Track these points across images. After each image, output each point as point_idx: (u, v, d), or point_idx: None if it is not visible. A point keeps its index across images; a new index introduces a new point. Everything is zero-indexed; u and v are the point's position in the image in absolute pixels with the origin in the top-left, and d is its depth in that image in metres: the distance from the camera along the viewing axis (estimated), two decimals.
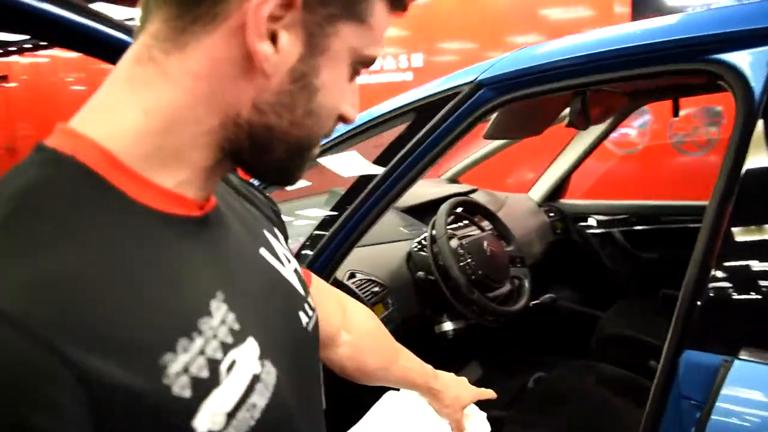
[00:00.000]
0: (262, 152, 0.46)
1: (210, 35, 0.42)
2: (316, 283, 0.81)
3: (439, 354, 2.21)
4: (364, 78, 4.28)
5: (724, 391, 0.87)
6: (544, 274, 2.61)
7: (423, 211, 2.00)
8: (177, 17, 0.42)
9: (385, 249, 1.81)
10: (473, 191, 2.37)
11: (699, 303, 1.00)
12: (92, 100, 0.44)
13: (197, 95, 0.43)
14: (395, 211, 2.01)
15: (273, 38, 0.42)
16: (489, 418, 2.16)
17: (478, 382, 2.33)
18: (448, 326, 1.65)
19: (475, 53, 4.03)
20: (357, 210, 1.42)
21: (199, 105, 0.43)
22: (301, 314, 0.56)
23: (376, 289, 1.57)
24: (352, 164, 1.51)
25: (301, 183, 1.83)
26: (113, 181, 0.41)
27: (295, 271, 0.60)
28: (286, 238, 0.66)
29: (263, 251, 0.55)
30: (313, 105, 0.46)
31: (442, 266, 1.56)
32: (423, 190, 2.26)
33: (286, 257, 0.59)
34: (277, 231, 0.62)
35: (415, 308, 1.70)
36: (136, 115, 0.42)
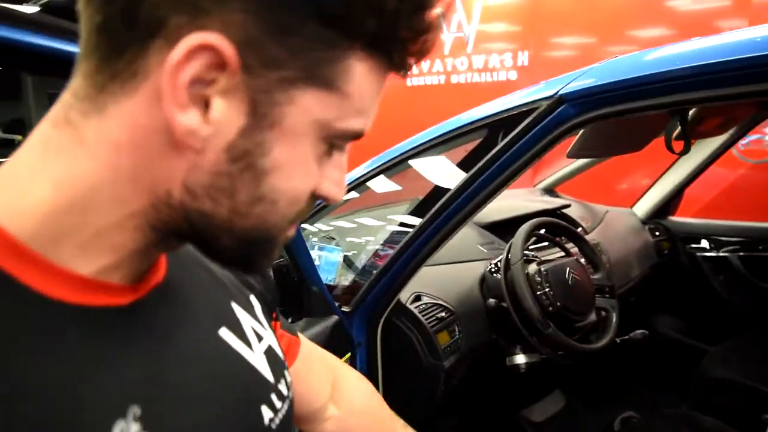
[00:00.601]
0: (206, 240, 0.39)
1: (131, 97, 0.34)
2: (306, 352, 0.72)
3: (512, 386, 2.08)
4: (455, 77, 4.12)
5: None
6: (644, 302, 2.36)
7: (506, 228, 1.85)
8: (97, 71, 0.35)
9: (458, 269, 1.70)
10: (566, 206, 2.18)
11: None
12: (2, 168, 0.37)
13: (118, 169, 0.35)
14: (475, 227, 1.88)
15: (207, 104, 0.34)
16: None
17: (560, 414, 2.19)
18: (520, 359, 1.51)
19: (590, 50, 3.72)
20: (427, 226, 1.32)
21: (121, 180, 0.36)
22: (264, 409, 0.47)
23: (442, 314, 1.47)
24: (442, 170, 1.41)
25: (393, 186, 1.78)
26: (10, 268, 0.34)
27: (268, 350, 0.51)
28: (271, 301, 0.58)
29: (224, 333, 0.47)
30: (262, 190, 0.37)
31: (516, 294, 1.42)
32: (509, 204, 2.11)
33: (258, 334, 0.51)
34: (254, 300, 0.54)
35: (486, 337, 1.58)
36: (45, 188, 0.35)
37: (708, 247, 2.38)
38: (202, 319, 0.46)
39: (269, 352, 0.51)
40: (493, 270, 1.57)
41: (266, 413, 0.47)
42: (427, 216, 1.31)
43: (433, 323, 1.44)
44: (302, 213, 0.40)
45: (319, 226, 1.75)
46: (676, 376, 2.30)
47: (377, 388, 1.50)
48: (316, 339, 1.26)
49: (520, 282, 1.42)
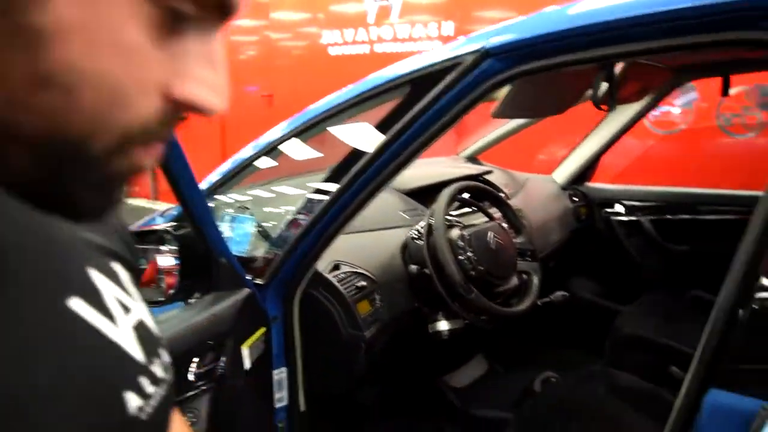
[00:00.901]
0: None
1: None
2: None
3: (434, 353, 2.07)
4: (381, 47, 4.07)
5: None
6: (562, 266, 2.41)
7: (429, 194, 1.81)
8: None
9: (379, 236, 1.64)
10: (488, 172, 2.17)
11: (739, 320, 0.81)
12: None
13: None
14: (397, 193, 1.83)
15: None
16: (490, 419, 2.02)
17: (482, 379, 2.21)
18: (443, 326, 1.48)
19: None
20: (344, 191, 1.24)
21: None
22: (129, 396, 0.37)
23: (363, 283, 1.40)
24: (360, 132, 1.33)
25: (314, 154, 1.69)
26: None
27: (139, 324, 0.41)
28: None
29: (76, 304, 0.36)
30: (45, 66, 0.23)
31: (438, 260, 1.38)
32: (432, 170, 2.07)
33: (124, 306, 0.41)
34: (117, 267, 0.44)
35: (408, 305, 1.54)
36: None
37: (622, 212, 2.45)
38: (42, 289, 0.36)
39: (140, 327, 0.41)
40: (415, 236, 1.52)
41: (132, 400, 0.37)
42: (344, 180, 1.24)
43: (353, 292, 1.37)
44: (149, 129, 0.27)
45: (234, 196, 1.63)
46: (593, 336, 2.37)
47: (295, 363, 1.43)
48: (225, 314, 1.17)
49: (442, 247, 1.38)
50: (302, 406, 1.51)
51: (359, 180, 1.22)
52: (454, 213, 1.66)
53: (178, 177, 1.05)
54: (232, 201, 1.62)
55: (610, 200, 2.49)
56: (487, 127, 2.54)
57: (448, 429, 1.94)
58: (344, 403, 1.61)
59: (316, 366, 1.48)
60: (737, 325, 0.81)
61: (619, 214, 2.47)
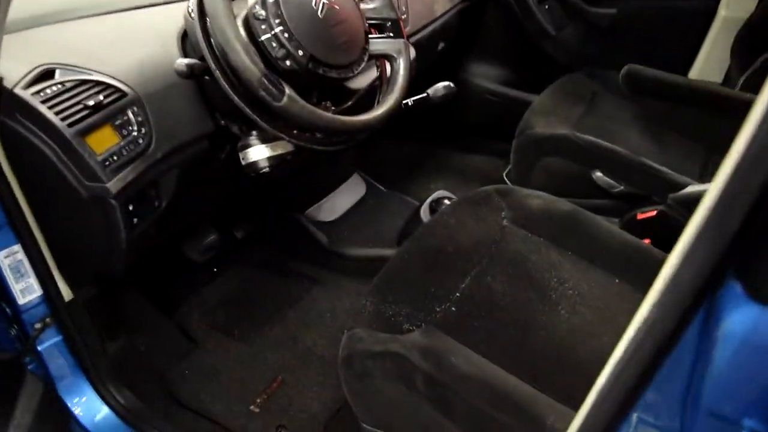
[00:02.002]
0: None
1: None
2: None
3: (286, 185, 1.55)
4: None
5: None
6: (455, 48, 1.86)
7: None
8: None
9: (137, 19, 1.01)
10: None
11: None
12: None
13: None
14: None
15: None
16: (362, 258, 1.60)
17: (360, 206, 1.75)
18: (256, 153, 0.94)
19: None
20: None
21: None
22: None
23: (101, 97, 0.82)
24: None
25: None
26: None
27: None
28: None
29: None
30: None
31: (220, 45, 0.79)
32: None
33: None
34: None
35: (207, 125, 0.97)
36: None
37: None
38: None
39: None
40: (191, 10, 0.89)
41: None
42: None
43: (78, 117, 0.79)
44: None
45: None
46: (497, 136, 1.93)
47: (30, 234, 0.89)
48: None
49: (221, 23, 0.78)
50: (67, 295, 1.00)
51: None
52: None
53: None
54: None
55: None
56: None
57: (317, 273, 1.52)
58: (105, 304, 1.12)
59: (67, 257, 0.96)
60: None
61: None
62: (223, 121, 1.00)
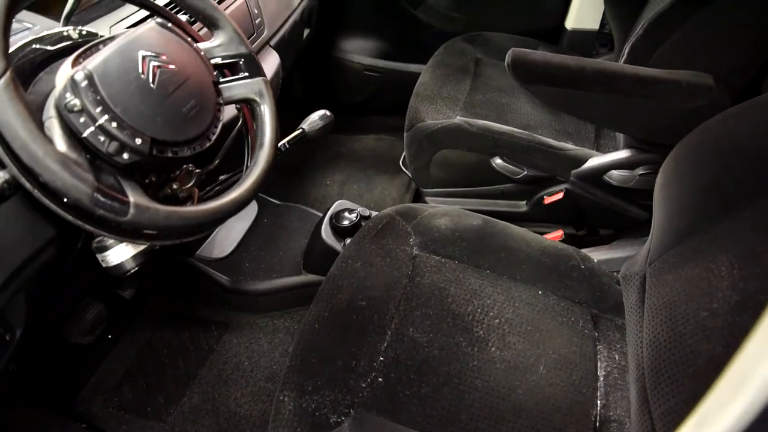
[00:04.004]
0: None
1: None
2: None
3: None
4: None
5: None
6: (321, 30, 1.70)
7: None
8: None
9: None
10: None
11: None
12: None
13: None
14: None
15: None
16: (280, 289, 1.48)
17: (256, 231, 1.58)
18: (117, 256, 0.78)
19: None
20: None
21: None
22: None
23: None
24: None
25: None
26: None
27: None
28: None
29: None
30: None
31: (30, 169, 0.62)
32: None
33: None
34: None
35: (41, 233, 0.80)
36: None
37: None
38: None
39: None
40: None
41: None
42: None
43: None
44: None
45: None
46: (386, 107, 1.83)
47: None
48: None
49: (20, 135, 0.60)
50: None
51: None
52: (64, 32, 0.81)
53: None
54: None
55: None
56: None
57: (225, 317, 1.39)
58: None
59: None
60: None
61: None
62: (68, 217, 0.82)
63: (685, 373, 0.69)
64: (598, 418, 0.81)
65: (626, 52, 1.07)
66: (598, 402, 0.83)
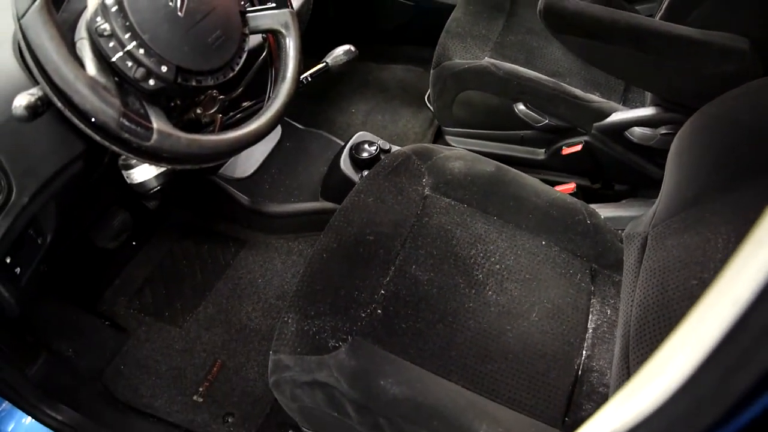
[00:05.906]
0: None
1: None
2: None
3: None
4: None
5: None
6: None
7: None
8: None
9: None
10: None
11: None
12: None
13: None
14: None
15: None
16: (298, 213, 1.53)
17: (278, 154, 1.62)
18: (141, 175, 0.83)
19: None
20: None
21: None
22: None
23: None
24: None
25: None
26: None
27: None
28: None
29: None
30: None
31: (61, 90, 0.65)
32: None
33: None
34: None
35: (72, 147, 0.84)
36: None
37: None
38: None
39: None
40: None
41: None
42: None
43: None
44: None
45: None
46: (416, 37, 1.80)
47: None
48: None
49: (53, 59, 0.63)
50: None
51: None
52: None
53: None
54: None
55: None
56: None
57: (243, 235, 1.46)
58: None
59: None
60: None
61: None
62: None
63: (666, 335, 0.72)
64: (581, 367, 0.86)
65: (665, 6, 1.04)
66: (584, 352, 0.88)
